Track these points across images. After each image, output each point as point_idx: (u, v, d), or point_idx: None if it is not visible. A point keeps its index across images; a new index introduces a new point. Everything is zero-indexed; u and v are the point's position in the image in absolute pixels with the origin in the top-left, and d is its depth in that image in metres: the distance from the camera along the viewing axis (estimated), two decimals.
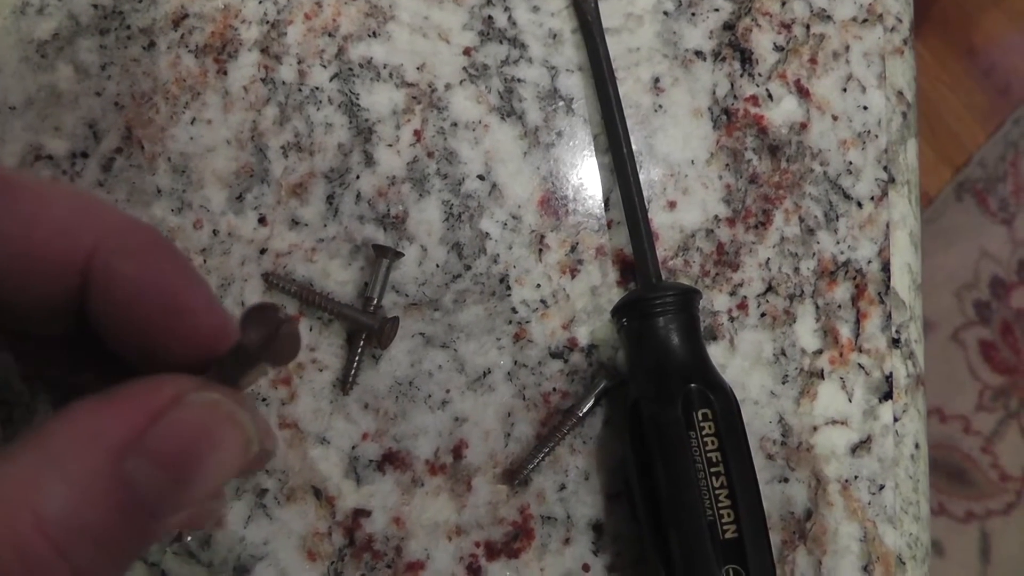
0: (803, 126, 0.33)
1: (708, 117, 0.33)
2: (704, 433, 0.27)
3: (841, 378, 0.32)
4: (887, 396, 0.32)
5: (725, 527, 0.26)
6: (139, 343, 0.18)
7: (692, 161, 0.33)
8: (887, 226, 0.33)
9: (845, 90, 0.34)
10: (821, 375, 0.32)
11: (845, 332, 0.32)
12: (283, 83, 0.32)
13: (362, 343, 0.29)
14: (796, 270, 0.32)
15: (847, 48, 0.34)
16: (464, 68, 0.32)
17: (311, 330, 0.30)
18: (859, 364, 0.32)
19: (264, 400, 0.29)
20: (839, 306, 0.32)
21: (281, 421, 0.29)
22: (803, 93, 0.34)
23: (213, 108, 0.31)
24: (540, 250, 0.31)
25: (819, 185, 0.33)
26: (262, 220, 0.30)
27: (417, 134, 0.32)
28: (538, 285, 0.31)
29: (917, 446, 0.33)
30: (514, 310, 0.31)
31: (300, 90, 0.32)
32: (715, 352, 0.31)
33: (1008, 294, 1.06)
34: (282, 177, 0.31)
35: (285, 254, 0.30)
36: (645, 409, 0.27)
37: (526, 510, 0.29)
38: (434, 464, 0.29)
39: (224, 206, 0.30)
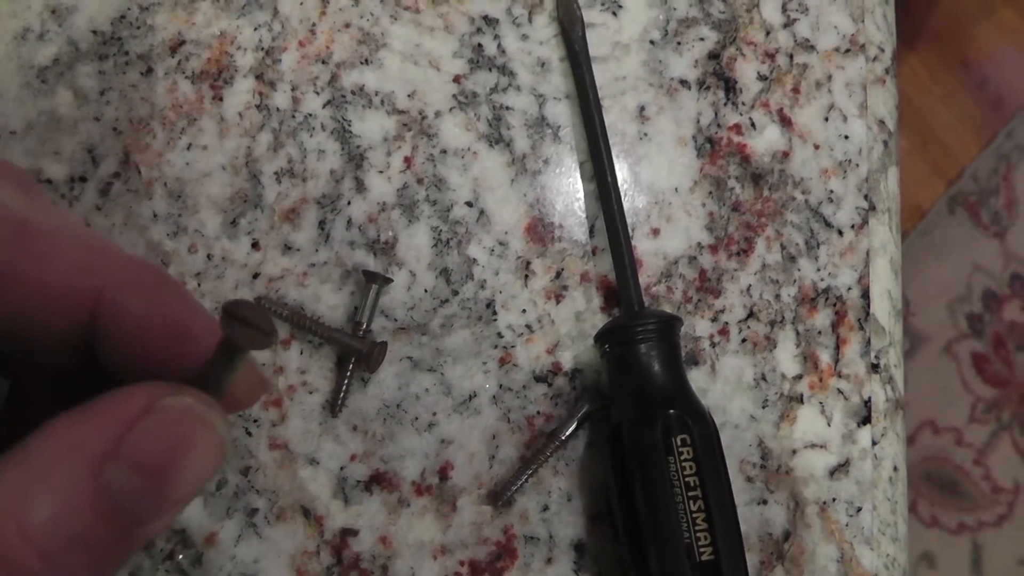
0: (785, 155, 0.34)
1: (692, 145, 0.34)
2: (682, 458, 0.27)
3: (820, 403, 0.32)
4: (866, 420, 0.33)
5: (702, 549, 0.27)
6: (146, 370, 0.19)
7: (676, 189, 0.33)
8: (867, 253, 0.34)
9: (827, 119, 0.35)
10: (801, 400, 0.32)
11: (825, 358, 0.33)
12: (277, 109, 0.32)
13: (351, 367, 0.30)
14: (777, 297, 0.33)
15: (829, 78, 0.35)
16: (454, 95, 0.33)
17: (301, 354, 0.30)
18: (838, 389, 0.33)
19: (255, 421, 0.30)
20: (819, 332, 0.33)
21: (271, 442, 0.30)
22: (786, 122, 0.34)
23: (209, 134, 0.32)
24: (526, 276, 0.32)
25: (800, 213, 0.34)
26: (255, 245, 0.31)
27: (407, 161, 0.32)
28: (524, 310, 0.32)
29: (896, 469, 0.33)
30: (500, 335, 0.31)
31: (294, 116, 0.32)
32: (697, 377, 0.32)
33: (1000, 307, 1.07)
34: (275, 203, 0.32)
35: (277, 278, 0.31)
36: (626, 433, 0.28)
37: (510, 530, 0.30)
38: (420, 485, 0.30)
39: (218, 231, 0.31)
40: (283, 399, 0.30)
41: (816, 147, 0.34)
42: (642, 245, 0.33)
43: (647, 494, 0.27)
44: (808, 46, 0.35)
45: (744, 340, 0.32)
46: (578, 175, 0.33)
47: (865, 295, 0.33)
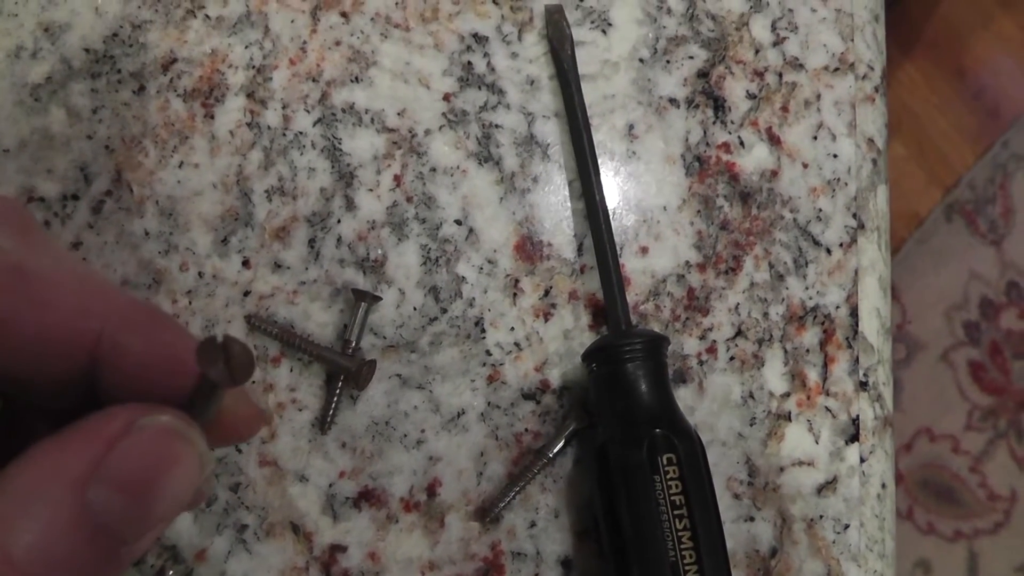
0: (774, 173, 0.34)
1: (681, 164, 0.34)
2: (668, 477, 0.28)
3: (808, 420, 0.33)
4: (853, 438, 0.33)
5: (687, 567, 0.27)
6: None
7: (664, 207, 0.34)
8: (856, 272, 0.34)
9: (816, 138, 0.35)
10: (788, 417, 0.32)
11: (813, 376, 0.33)
12: (268, 127, 0.33)
13: (340, 384, 0.30)
14: (765, 315, 0.33)
15: (818, 96, 0.35)
16: (443, 114, 0.33)
17: (291, 371, 0.31)
18: (826, 407, 0.33)
19: None
20: (807, 350, 0.33)
21: (261, 459, 0.30)
22: (774, 141, 0.35)
23: (200, 152, 0.32)
24: (515, 294, 0.32)
25: (789, 232, 0.34)
26: (246, 263, 0.31)
27: (397, 179, 0.33)
28: (512, 328, 0.32)
29: (884, 486, 0.33)
30: (488, 352, 0.31)
31: (284, 135, 0.33)
32: (684, 395, 0.32)
33: (997, 315, 1.07)
34: (266, 221, 0.32)
35: (268, 296, 0.31)
36: (612, 452, 0.28)
37: (497, 546, 0.30)
38: (409, 501, 0.30)
39: (209, 249, 0.31)
40: (273, 416, 0.30)
41: (805, 166, 0.35)
42: (630, 263, 0.33)
43: (633, 513, 0.27)
44: (797, 65, 0.36)
45: (732, 358, 0.33)
46: (567, 193, 0.33)
47: (853, 313, 0.34)
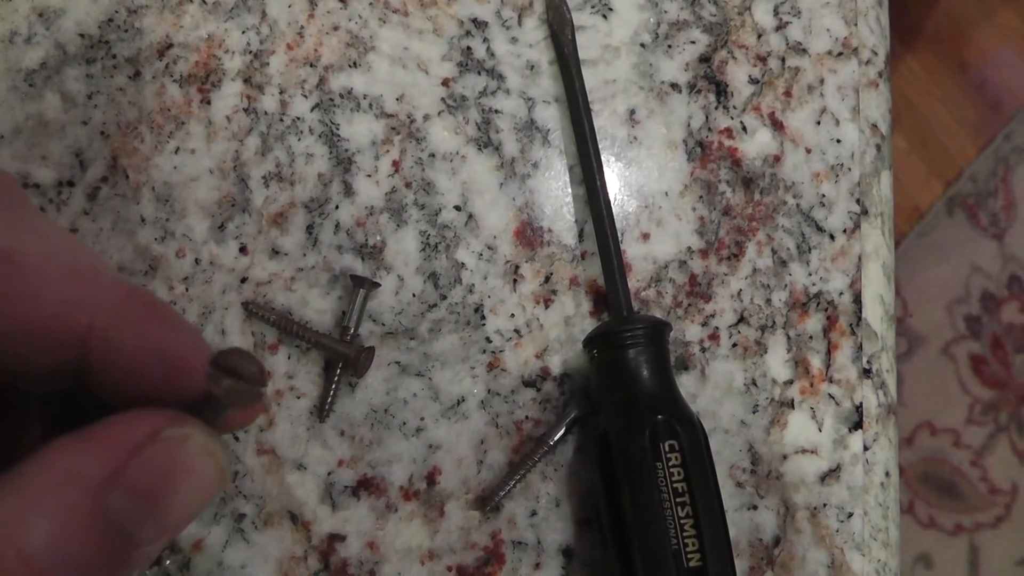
0: (777, 159, 0.34)
1: (683, 149, 0.34)
2: (670, 464, 0.27)
3: (811, 408, 0.32)
4: (857, 426, 0.32)
5: (689, 555, 0.27)
6: (138, 400, 0.19)
7: (666, 193, 0.33)
8: (859, 258, 0.34)
9: (819, 123, 0.35)
10: (791, 405, 0.32)
11: (816, 363, 0.33)
12: (265, 113, 0.32)
13: (339, 372, 0.30)
14: (768, 301, 0.33)
15: (822, 81, 0.35)
16: (442, 99, 0.33)
17: (289, 358, 0.30)
18: (829, 394, 0.32)
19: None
20: (810, 337, 0.33)
21: (259, 447, 0.30)
22: (777, 126, 0.34)
23: (197, 138, 0.32)
24: (515, 280, 0.32)
25: (792, 217, 0.34)
26: (243, 249, 0.31)
27: (395, 164, 0.32)
28: (512, 315, 0.31)
29: (888, 474, 0.33)
30: (488, 339, 0.31)
31: (282, 120, 0.32)
32: (686, 382, 0.32)
33: (998, 309, 1.07)
34: (263, 207, 0.31)
35: (265, 283, 0.31)
36: (613, 439, 0.28)
37: (498, 535, 0.30)
38: (408, 490, 0.30)
39: (206, 235, 0.31)
40: (270, 404, 0.30)
41: (808, 151, 0.34)
42: (632, 249, 0.32)
43: (635, 500, 0.27)
44: (800, 49, 0.35)
45: (735, 345, 0.32)
46: (567, 179, 0.33)
47: (857, 300, 0.33)
